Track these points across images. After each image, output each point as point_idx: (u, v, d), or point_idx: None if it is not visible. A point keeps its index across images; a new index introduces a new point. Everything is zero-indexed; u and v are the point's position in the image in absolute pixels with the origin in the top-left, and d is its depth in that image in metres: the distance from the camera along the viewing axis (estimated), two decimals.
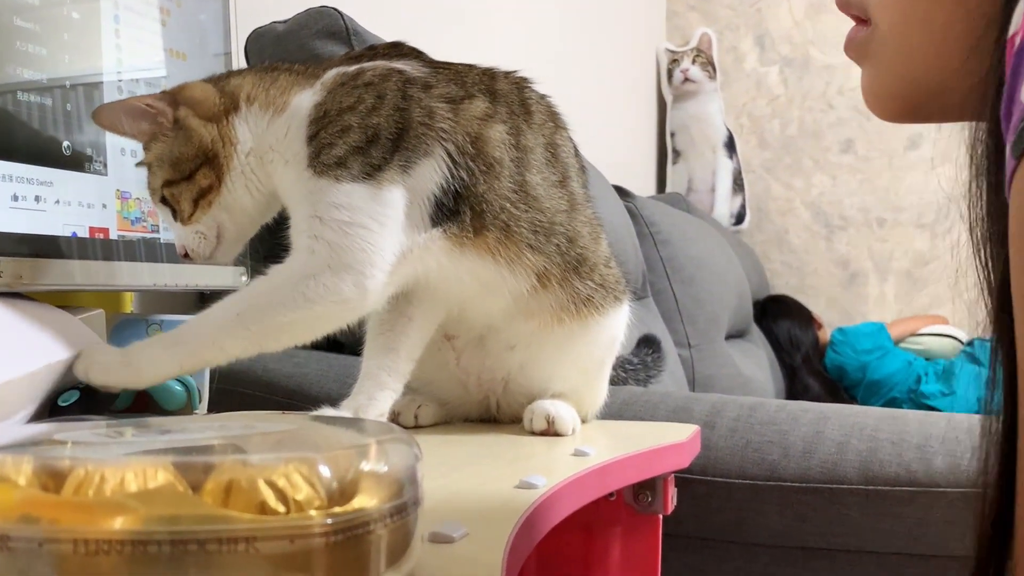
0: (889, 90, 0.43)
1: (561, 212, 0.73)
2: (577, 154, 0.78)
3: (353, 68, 0.69)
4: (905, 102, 0.42)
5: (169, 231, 0.82)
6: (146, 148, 0.69)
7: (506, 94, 0.72)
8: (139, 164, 0.71)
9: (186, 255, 0.70)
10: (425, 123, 0.65)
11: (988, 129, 0.35)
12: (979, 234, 0.37)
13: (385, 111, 0.65)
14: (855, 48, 0.44)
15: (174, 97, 0.69)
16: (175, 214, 0.69)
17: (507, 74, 0.74)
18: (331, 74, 0.69)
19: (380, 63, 0.70)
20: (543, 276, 0.71)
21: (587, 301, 0.73)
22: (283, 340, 0.64)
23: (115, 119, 0.68)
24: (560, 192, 0.73)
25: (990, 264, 0.37)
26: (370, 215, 0.63)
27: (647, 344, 1.10)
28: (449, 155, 0.66)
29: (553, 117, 0.76)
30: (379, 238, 0.63)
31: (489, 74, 0.72)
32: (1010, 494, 0.32)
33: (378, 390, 0.69)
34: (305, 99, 0.68)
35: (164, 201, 0.69)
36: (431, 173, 0.66)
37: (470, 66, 0.73)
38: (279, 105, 0.68)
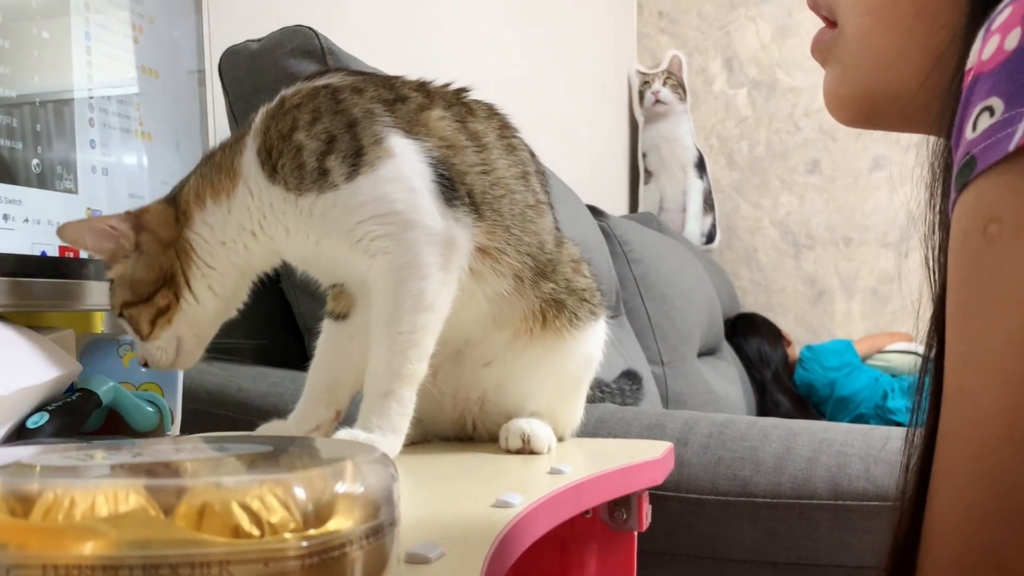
0: (850, 94, 0.42)
1: (530, 208, 0.73)
2: (535, 156, 0.78)
3: (275, 101, 0.70)
4: (865, 107, 0.42)
5: None
6: (107, 266, 0.70)
7: (441, 94, 0.72)
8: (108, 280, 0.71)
9: (146, 364, 0.71)
10: (367, 118, 0.67)
11: (944, 144, 0.35)
12: (931, 242, 0.37)
13: (326, 118, 0.66)
14: (821, 49, 0.44)
15: (138, 220, 0.69)
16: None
17: (444, 84, 0.74)
18: (257, 118, 0.70)
19: (302, 86, 0.70)
20: (518, 277, 0.71)
21: (559, 307, 0.74)
22: (442, 314, 0.67)
23: (79, 236, 0.69)
24: (524, 185, 0.74)
25: (936, 272, 0.37)
26: (389, 195, 0.65)
27: (628, 377, 1.11)
28: (404, 136, 0.67)
29: (497, 115, 0.75)
30: (417, 197, 0.66)
31: (421, 81, 0.73)
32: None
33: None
34: (248, 155, 0.68)
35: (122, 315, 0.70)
36: (404, 145, 0.66)
37: (399, 76, 0.73)
38: (229, 182, 0.68)
